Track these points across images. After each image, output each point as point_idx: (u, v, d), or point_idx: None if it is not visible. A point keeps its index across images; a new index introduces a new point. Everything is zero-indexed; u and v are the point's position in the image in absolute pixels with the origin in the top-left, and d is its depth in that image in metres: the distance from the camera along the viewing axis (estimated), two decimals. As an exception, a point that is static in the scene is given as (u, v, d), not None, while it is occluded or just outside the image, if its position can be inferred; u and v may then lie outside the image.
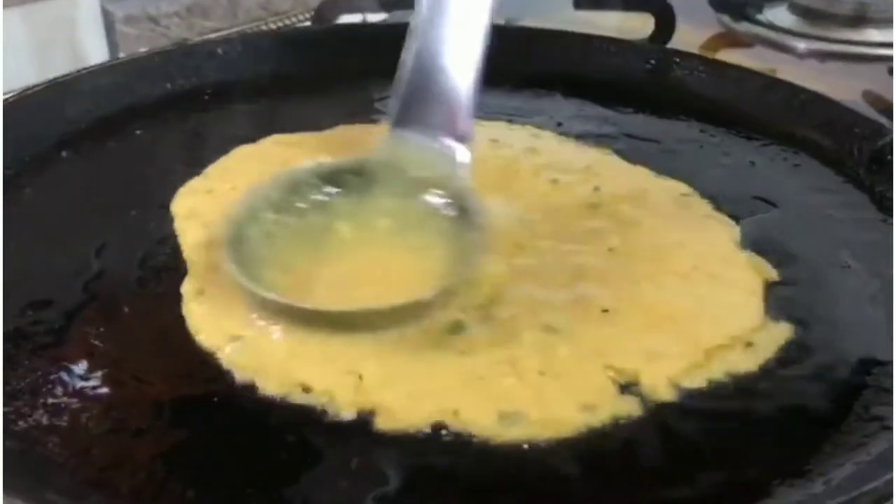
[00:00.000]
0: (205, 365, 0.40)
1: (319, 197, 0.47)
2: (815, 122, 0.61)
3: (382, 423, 0.37)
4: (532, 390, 0.39)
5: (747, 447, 0.38)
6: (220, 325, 0.42)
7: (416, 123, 0.49)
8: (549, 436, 0.37)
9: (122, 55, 0.89)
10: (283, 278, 0.42)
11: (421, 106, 0.49)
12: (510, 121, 0.64)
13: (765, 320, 0.44)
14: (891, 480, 0.33)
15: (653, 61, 0.70)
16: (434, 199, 0.47)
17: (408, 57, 0.50)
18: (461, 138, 0.48)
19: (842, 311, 0.45)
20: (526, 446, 0.37)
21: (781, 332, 0.43)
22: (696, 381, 0.40)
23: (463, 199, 0.46)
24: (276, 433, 0.37)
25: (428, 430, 0.37)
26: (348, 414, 0.38)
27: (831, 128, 0.60)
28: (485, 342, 0.42)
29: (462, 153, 0.48)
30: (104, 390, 0.39)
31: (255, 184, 0.47)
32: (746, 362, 0.41)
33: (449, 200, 0.46)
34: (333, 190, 0.47)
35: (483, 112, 0.64)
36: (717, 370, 0.41)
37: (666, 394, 0.39)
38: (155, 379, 0.40)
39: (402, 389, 0.39)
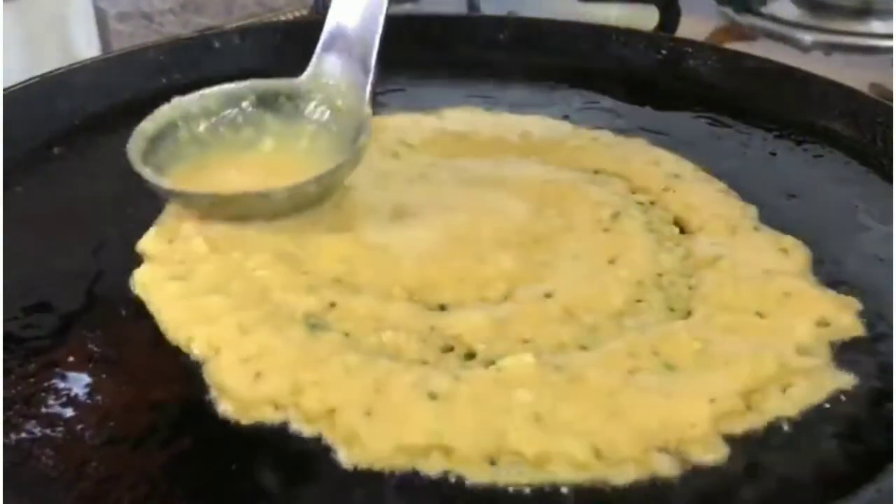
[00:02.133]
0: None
1: (251, 112, 0.53)
2: (835, 112, 0.59)
3: (350, 457, 0.34)
4: (534, 426, 0.35)
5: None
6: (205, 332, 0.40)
7: (336, 55, 0.55)
8: (549, 482, 0.33)
9: (114, 52, 0.87)
10: (194, 174, 0.48)
11: (341, 42, 0.56)
12: (516, 113, 0.62)
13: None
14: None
15: (664, 52, 0.68)
16: (343, 124, 0.52)
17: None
18: (368, 71, 0.54)
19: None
20: (527, 491, 0.33)
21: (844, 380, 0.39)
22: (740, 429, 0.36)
23: (361, 127, 0.50)
24: (282, 441, 0.35)
25: (407, 468, 0.34)
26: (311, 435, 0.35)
27: (853, 118, 0.58)
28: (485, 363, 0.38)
29: (368, 84, 0.54)
30: (101, 398, 0.37)
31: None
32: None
33: (353, 127, 0.51)
34: (266, 110, 0.53)
35: (488, 104, 0.63)
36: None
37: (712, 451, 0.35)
38: (154, 385, 0.37)
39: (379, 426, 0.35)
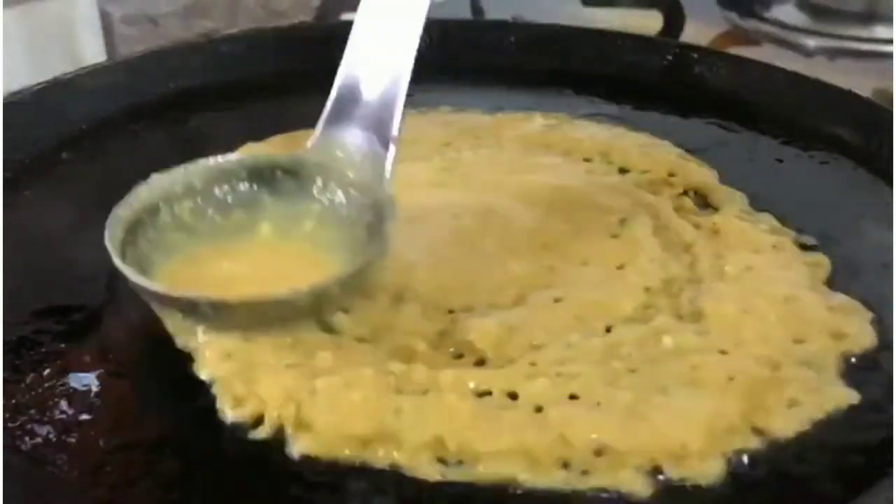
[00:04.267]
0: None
1: (244, 191, 0.45)
2: (841, 119, 0.59)
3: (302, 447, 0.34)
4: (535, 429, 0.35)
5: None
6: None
7: (347, 123, 0.48)
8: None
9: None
10: (182, 268, 0.41)
11: (354, 107, 0.48)
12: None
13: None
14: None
15: (669, 57, 0.68)
16: (358, 204, 0.45)
17: (345, 59, 0.50)
18: (387, 143, 0.47)
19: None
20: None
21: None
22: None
23: (382, 209, 0.43)
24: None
25: (356, 463, 0.34)
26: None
27: (859, 124, 0.58)
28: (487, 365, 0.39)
29: (390, 159, 0.46)
30: (115, 403, 0.37)
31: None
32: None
33: (370, 207, 0.44)
34: (262, 187, 0.45)
35: (492, 110, 0.63)
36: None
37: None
38: (168, 390, 0.38)
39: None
